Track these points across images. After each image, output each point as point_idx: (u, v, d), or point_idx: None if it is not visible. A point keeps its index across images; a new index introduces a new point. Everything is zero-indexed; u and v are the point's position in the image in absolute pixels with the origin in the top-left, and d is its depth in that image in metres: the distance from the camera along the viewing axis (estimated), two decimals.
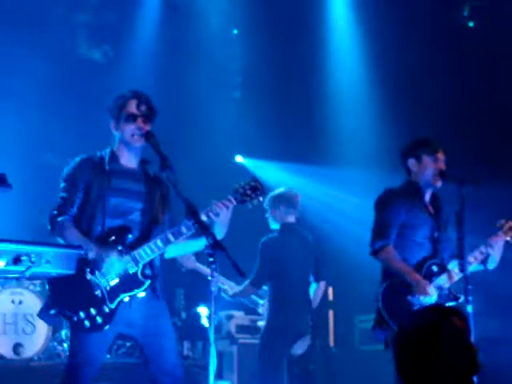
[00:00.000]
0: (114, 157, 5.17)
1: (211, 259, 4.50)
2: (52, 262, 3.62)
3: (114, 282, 4.90)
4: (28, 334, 7.85)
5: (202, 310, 9.02)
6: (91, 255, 4.84)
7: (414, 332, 2.93)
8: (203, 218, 4.96)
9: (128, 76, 10.67)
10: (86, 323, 4.80)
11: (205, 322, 8.90)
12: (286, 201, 7.94)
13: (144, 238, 5.07)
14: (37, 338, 7.89)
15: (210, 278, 4.52)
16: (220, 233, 5.07)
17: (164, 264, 5.31)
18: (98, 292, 4.85)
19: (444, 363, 2.86)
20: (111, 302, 4.87)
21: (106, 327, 4.84)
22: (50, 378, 7.10)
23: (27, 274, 3.58)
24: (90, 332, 4.82)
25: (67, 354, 8.02)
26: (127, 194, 5.11)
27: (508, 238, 6.15)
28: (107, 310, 4.85)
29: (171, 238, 5.00)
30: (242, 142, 11.68)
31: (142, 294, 4.99)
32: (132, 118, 5.12)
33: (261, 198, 5.27)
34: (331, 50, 11.47)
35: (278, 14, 11.25)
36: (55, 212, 5.03)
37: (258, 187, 5.21)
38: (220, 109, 11.45)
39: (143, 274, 4.99)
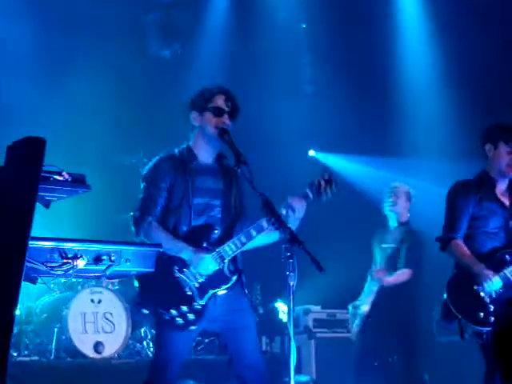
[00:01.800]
0: (192, 154, 5.18)
1: (289, 253, 4.48)
2: (132, 260, 3.63)
3: (202, 279, 4.93)
4: (108, 333, 7.95)
5: (280, 305, 9.02)
6: (185, 256, 4.91)
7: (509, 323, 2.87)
8: (283, 212, 4.93)
9: (198, 73, 10.73)
10: (179, 320, 4.82)
11: (282, 316, 8.90)
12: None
13: (227, 234, 5.09)
14: (117, 336, 7.99)
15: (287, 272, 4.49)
16: (292, 228, 5.01)
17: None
18: (187, 289, 4.88)
19: None
20: (201, 298, 4.90)
21: (198, 323, 4.88)
22: (131, 375, 7.17)
23: (108, 272, 3.59)
24: (184, 329, 4.85)
25: (147, 351, 8.17)
26: (209, 192, 5.13)
27: None
28: (198, 306, 4.88)
29: (253, 232, 5.00)
30: (315, 135, 11.64)
31: (223, 292, 4.99)
32: (219, 112, 5.13)
33: (335, 190, 5.16)
34: (403, 39, 11.36)
35: (347, 5, 11.18)
36: (138, 213, 5.05)
37: (331, 179, 5.10)
38: (292, 103, 11.42)
39: (229, 270, 5.02)
